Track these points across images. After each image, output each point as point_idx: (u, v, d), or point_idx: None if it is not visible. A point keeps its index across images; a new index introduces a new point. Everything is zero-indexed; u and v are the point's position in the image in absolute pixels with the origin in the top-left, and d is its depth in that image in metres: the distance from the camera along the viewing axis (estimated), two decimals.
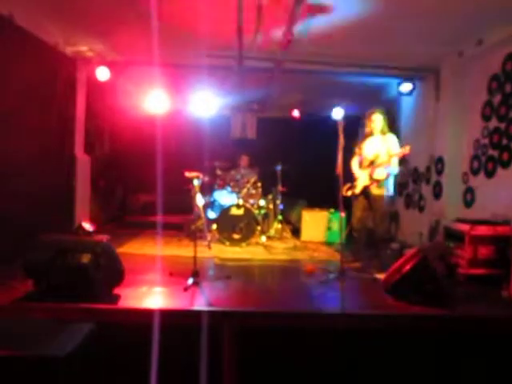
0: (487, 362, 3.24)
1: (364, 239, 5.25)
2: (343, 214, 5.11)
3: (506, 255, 4.23)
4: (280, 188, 7.32)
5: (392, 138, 5.12)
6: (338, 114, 7.21)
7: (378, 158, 5.04)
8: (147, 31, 5.36)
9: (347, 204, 5.13)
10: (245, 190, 7.01)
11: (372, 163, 5.08)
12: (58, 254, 3.50)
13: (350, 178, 5.26)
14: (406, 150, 4.82)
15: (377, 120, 5.13)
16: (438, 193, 6.29)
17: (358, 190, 5.15)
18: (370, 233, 5.16)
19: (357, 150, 5.31)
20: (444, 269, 3.79)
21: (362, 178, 5.15)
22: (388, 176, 5.03)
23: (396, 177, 5.25)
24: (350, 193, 5.19)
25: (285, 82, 7.38)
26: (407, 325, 3.41)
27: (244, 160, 7.69)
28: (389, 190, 5.09)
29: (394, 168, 5.04)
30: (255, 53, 5.92)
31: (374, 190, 5.06)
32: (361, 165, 5.23)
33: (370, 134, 5.19)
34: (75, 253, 3.54)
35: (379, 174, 5.01)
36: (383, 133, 5.14)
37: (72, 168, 6.18)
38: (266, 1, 4.46)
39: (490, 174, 5.26)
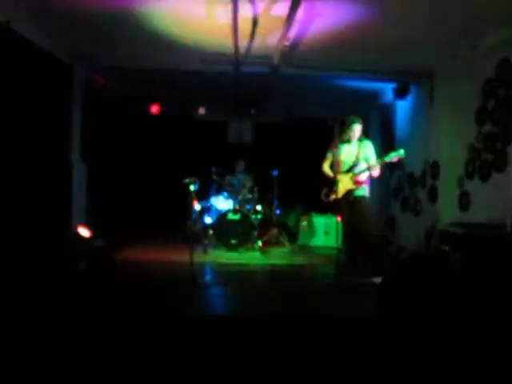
0: (483, 368, 3.26)
1: (357, 242, 5.26)
2: (339, 219, 5.14)
3: (501, 259, 4.25)
4: (276, 193, 7.33)
5: (369, 145, 5.27)
6: (334, 118, 7.24)
7: (358, 163, 5.15)
8: (144, 37, 5.41)
9: (333, 208, 5.21)
10: (241, 195, 7.03)
11: (351, 168, 5.18)
12: (56, 260, 3.51)
13: (327, 182, 5.34)
14: (401, 153, 4.91)
15: (357, 129, 5.21)
16: (433, 197, 6.32)
17: (340, 195, 5.18)
18: (361, 235, 5.17)
19: (329, 154, 5.40)
20: (439, 272, 3.80)
21: (343, 183, 5.18)
22: (371, 178, 5.20)
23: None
24: (332, 197, 5.22)
25: (281, 87, 7.42)
26: (405, 328, 3.42)
27: (240, 165, 7.71)
28: (367, 191, 5.24)
29: (376, 171, 5.14)
30: (251, 58, 5.95)
31: (357, 192, 5.16)
32: (332, 168, 5.28)
33: (347, 140, 5.26)
34: (72, 259, 3.54)
35: (362, 177, 5.12)
36: (360, 140, 5.26)
37: (68, 174, 6.17)
38: (261, 7, 4.49)
39: (484, 178, 5.29)
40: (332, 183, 5.23)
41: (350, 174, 5.17)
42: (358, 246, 5.24)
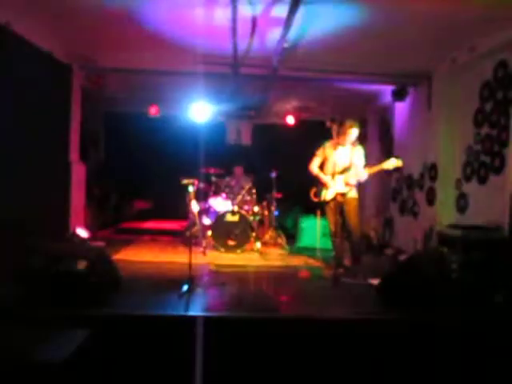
0: (482, 366, 3.27)
1: (344, 243, 5.29)
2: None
3: (499, 261, 4.26)
4: (275, 194, 7.33)
5: (360, 150, 5.27)
6: (332, 120, 7.22)
7: (351, 166, 5.16)
8: (142, 39, 5.42)
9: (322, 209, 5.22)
10: (240, 197, 7.03)
11: (344, 171, 5.19)
12: (53, 260, 3.50)
13: (316, 181, 5.37)
14: (399, 163, 5.01)
15: (354, 133, 5.18)
16: (431, 199, 6.33)
17: (329, 196, 5.21)
18: (350, 236, 5.18)
19: (319, 152, 5.39)
20: (437, 274, 3.82)
21: (335, 184, 5.18)
22: (359, 182, 5.23)
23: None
24: (322, 198, 5.25)
25: (280, 89, 7.43)
26: (401, 329, 3.42)
27: (238, 170, 7.71)
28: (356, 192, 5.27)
29: (364, 174, 5.16)
30: (250, 60, 5.96)
31: (348, 194, 5.18)
32: (321, 169, 5.33)
33: (342, 143, 5.22)
34: (70, 259, 3.54)
35: (353, 180, 5.15)
36: (353, 144, 5.26)
37: (67, 175, 6.17)
38: (260, 9, 4.51)
39: (482, 180, 5.31)
40: (321, 183, 5.29)
41: (343, 177, 5.18)
42: (348, 247, 5.27)
